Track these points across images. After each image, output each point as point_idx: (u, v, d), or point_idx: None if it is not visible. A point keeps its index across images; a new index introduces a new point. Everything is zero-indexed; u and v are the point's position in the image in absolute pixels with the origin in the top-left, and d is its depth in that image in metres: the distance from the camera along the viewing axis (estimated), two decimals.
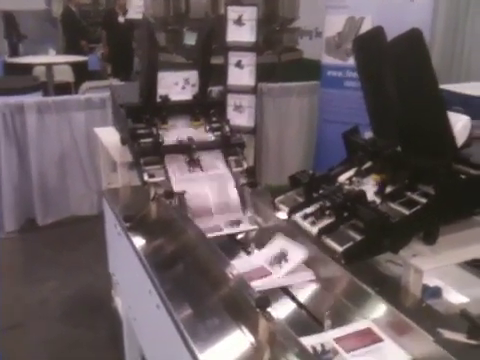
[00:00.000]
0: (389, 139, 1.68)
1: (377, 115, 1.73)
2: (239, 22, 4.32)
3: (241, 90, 4.47)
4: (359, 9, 4.23)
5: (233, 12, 4.34)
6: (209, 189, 2.01)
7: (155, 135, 2.12)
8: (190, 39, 2.44)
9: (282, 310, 1.52)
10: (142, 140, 2.12)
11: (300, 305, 1.57)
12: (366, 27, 4.21)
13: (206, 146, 2.14)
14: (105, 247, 2.46)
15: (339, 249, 1.43)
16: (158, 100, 2.20)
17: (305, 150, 4.96)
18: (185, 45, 2.45)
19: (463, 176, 1.53)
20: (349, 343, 1.34)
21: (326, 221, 1.55)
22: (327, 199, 1.59)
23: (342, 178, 1.75)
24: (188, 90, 2.30)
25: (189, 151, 2.09)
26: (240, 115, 4.54)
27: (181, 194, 1.93)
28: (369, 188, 1.62)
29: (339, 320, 1.44)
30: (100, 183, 3.18)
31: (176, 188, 1.97)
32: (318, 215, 1.58)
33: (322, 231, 1.50)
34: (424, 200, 1.51)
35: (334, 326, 1.42)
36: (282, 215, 1.73)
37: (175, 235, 1.83)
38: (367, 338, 1.36)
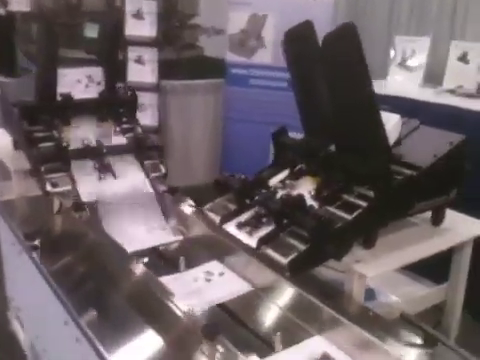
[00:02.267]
0: (321, 139, 1.59)
1: (309, 114, 1.63)
2: (138, 16, 4.08)
3: (142, 87, 4.21)
4: (262, 6, 4.17)
5: (132, 4, 4.08)
6: (124, 198, 1.79)
7: (57, 138, 1.86)
8: (91, 31, 2.19)
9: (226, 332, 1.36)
10: (41, 144, 1.85)
11: (243, 325, 1.41)
12: (269, 24, 4.18)
13: (118, 150, 1.92)
14: None
15: (283, 261, 1.30)
16: (58, 99, 1.94)
17: (211, 149, 4.83)
18: (85, 38, 2.20)
19: (400, 177, 1.48)
20: None
21: (264, 230, 1.42)
22: (263, 205, 1.46)
23: (274, 181, 1.63)
24: (93, 88, 2.06)
25: (99, 156, 1.86)
26: (142, 114, 4.29)
27: (92, 205, 1.70)
28: (303, 191, 1.51)
29: (288, 336, 1.31)
30: None
31: (85, 198, 1.73)
32: (254, 224, 1.45)
33: (262, 241, 1.37)
34: (362, 203, 1.44)
35: (284, 345, 1.28)
36: (211, 225, 1.57)
37: (89, 253, 1.60)
38: None
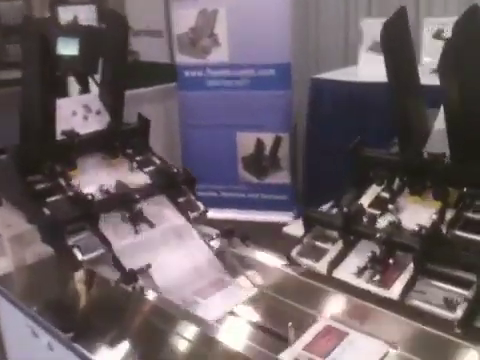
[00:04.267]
0: (415, 152, 1.31)
1: (408, 122, 1.34)
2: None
3: None
4: (210, 1, 3.83)
5: (66, 13, 3.59)
6: (173, 252, 1.43)
7: (70, 188, 1.45)
8: (68, 48, 1.77)
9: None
10: (50, 198, 1.44)
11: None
12: (221, 20, 3.84)
13: (148, 192, 1.54)
14: None
15: (450, 315, 1.02)
16: (61, 137, 1.53)
17: (169, 159, 4.42)
18: (61, 57, 1.79)
19: None
20: (320, 348, 1.11)
21: (393, 274, 1.13)
22: (385, 243, 1.17)
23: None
24: (93, 120, 1.66)
25: (129, 203, 1.47)
26: None
27: (143, 271, 1.32)
28: (420, 217, 1.24)
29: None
30: None
31: (126, 262, 1.35)
32: (377, 268, 1.16)
33: (406, 291, 1.08)
34: None
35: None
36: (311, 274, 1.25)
37: (156, 338, 1.22)
38: (333, 336, 1.14)
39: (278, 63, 3.74)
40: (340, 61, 3.91)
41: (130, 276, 1.28)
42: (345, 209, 1.22)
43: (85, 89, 1.79)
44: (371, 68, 3.42)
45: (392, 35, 1.27)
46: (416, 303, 1.08)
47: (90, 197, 1.39)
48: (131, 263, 1.34)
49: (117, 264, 1.33)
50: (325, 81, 3.27)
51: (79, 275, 1.38)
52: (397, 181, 1.36)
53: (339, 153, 3.19)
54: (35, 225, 1.49)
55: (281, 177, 3.89)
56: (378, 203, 1.34)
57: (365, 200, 1.36)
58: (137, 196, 1.47)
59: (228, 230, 1.49)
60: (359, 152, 1.40)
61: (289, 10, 3.73)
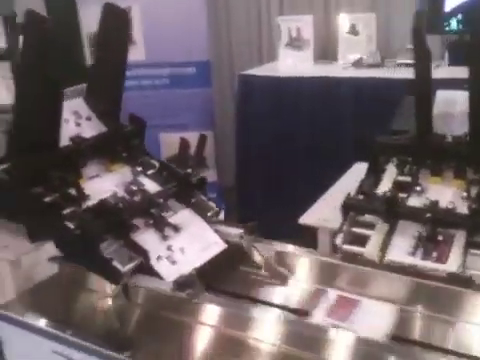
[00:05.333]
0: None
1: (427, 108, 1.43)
2: None
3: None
4: None
5: None
6: (204, 254, 1.39)
7: (85, 197, 1.34)
8: None
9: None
10: (66, 210, 1.32)
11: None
12: (135, 17, 3.72)
13: (163, 196, 1.47)
14: None
15: None
16: (68, 143, 1.40)
17: None
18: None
19: None
20: (338, 314, 1.20)
21: (443, 250, 1.22)
22: (433, 222, 1.25)
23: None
24: (86, 126, 1.54)
25: (149, 209, 1.39)
26: None
27: (192, 277, 1.26)
28: (445, 195, 1.35)
29: None
30: None
31: (163, 272, 1.29)
32: (429, 246, 1.24)
33: (462, 265, 1.18)
34: None
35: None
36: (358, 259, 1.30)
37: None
38: (347, 304, 1.23)
39: (198, 61, 3.73)
40: (255, 58, 4.00)
41: (183, 283, 1.22)
42: (388, 193, 1.29)
43: None
44: (290, 63, 3.60)
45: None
46: (472, 272, 1.17)
47: (121, 205, 1.30)
48: (167, 270, 1.29)
49: (157, 273, 1.27)
50: (254, 77, 3.34)
51: (116, 289, 1.28)
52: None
53: (270, 148, 3.33)
54: (38, 243, 1.38)
55: (208, 175, 3.87)
56: (398, 187, 1.43)
57: (385, 185, 1.44)
58: (161, 200, 1.40)
59: (251, 226, 1.48)
60: (375, 140, 1.47)
61: (204, 7, 3.74)
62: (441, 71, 2.95)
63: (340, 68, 3.35)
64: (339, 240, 1.31)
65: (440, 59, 3.22)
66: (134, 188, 1.44)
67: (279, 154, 3.30)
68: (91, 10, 3.80)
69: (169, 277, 1.26)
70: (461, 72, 1.37)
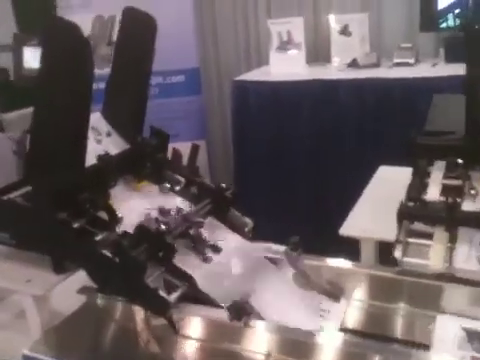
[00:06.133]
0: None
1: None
2: None
3: None
4: (105, 6, 3.56)
5: None
6: (254, 275, 1.28)
7: (117, 221, 1.22)
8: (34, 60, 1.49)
9: None
10: (98, 237, 1.19)
11: None
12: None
13: (199, 214, 1.36)
14: None
15: None
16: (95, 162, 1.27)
17: None
18: (25, 70, 1.47)
19: None
20: None
21: None
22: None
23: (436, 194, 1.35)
24: (107, 143, 1.42)
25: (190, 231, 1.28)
26: None
27: (247, 302, 1.15)
28: None
29: None
30: None
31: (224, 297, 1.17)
32: None
33: None
34: None
35: None
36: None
37: None
38: None
39: (187, 68, 3.63)
40: (243, 63, 3.90)
41: (238, 309, 1.11)
42: (450, 199, 1.21)
43: None
44: (282, 67, 3.51)
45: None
46: None
47: (163, 227, 1.18)
48: (215, 296, 1.18)
49: (207, 299, 1.16)
50: (248, 83, 3.24)
51: (162, 319, 1.16)
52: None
53: (269, 155, 3.23)
54: (63, 274, 1.25)
55: None
56: (448, 191, 1.35)
57: (434, 190, 1.36)
58: (200, 220, 1.29)
59: (295, 243, 1.38)
60: (421, 142, 1.39)
61: (191, 13, 3.64)
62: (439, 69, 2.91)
63: (335, 70, 3.29)
64: (398, 253, 1.22)
65: (435, 57, 3.19)
66: (167, 208, 1.33)
67: (279, 160, 3.21)
68: (76, 21, 3.67)
69: (220, 303, 1.15)
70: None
